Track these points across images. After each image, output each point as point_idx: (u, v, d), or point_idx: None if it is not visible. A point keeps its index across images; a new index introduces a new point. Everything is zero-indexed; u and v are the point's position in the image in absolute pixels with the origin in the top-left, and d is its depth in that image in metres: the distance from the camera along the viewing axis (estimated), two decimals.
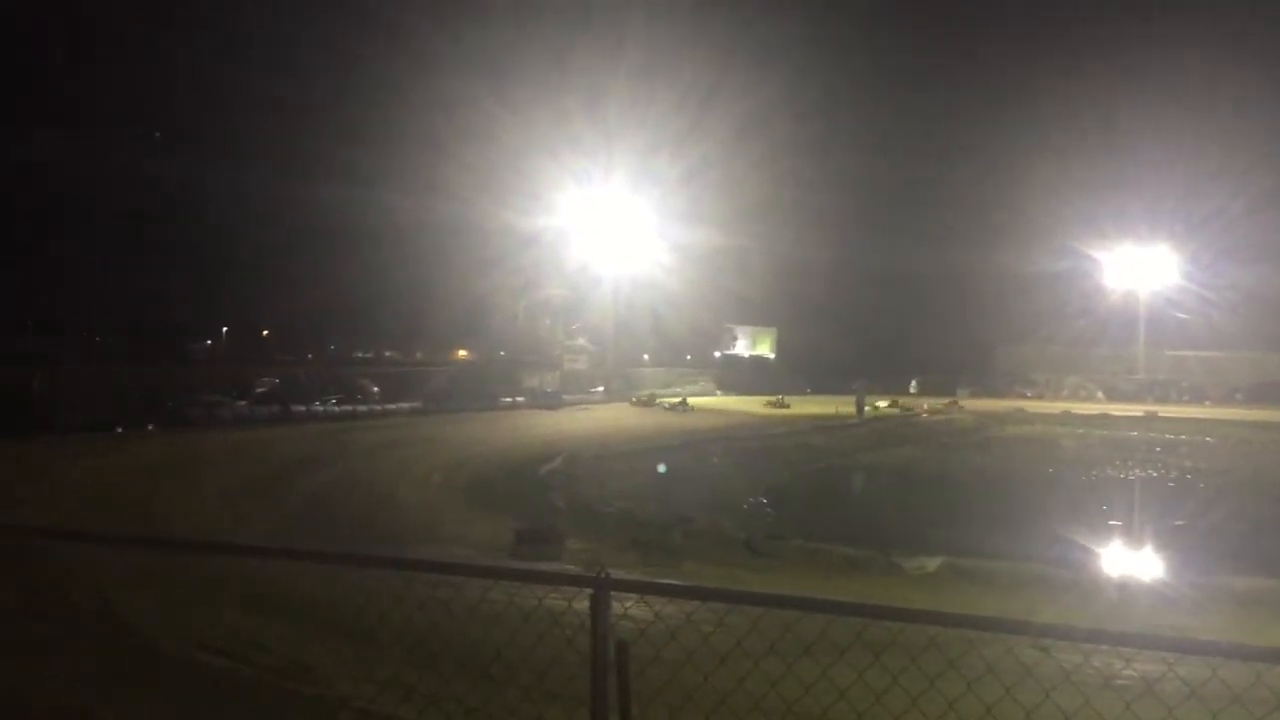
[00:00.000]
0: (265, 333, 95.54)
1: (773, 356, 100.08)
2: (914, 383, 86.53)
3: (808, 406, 67.57)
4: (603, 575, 3.67)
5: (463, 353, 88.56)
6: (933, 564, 21.86)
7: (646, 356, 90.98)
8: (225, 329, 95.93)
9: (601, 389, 75.58)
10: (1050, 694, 5.92)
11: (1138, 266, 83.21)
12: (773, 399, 71.62)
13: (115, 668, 9.05)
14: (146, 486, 26.15)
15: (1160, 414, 66.10)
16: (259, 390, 53.78)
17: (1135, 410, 68.34)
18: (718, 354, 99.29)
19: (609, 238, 77.31)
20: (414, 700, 8.21)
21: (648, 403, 65.16)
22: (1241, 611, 15.93)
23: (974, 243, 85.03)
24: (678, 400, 66.33)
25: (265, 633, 10.91)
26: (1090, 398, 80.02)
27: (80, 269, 77.02)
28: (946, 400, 75.51)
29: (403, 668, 9.50)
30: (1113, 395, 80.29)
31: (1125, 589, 20.87)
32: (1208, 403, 75.61)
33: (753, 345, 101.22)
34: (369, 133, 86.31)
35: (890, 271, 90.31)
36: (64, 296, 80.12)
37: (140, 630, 11.15)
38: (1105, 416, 66.53)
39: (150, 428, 39.66)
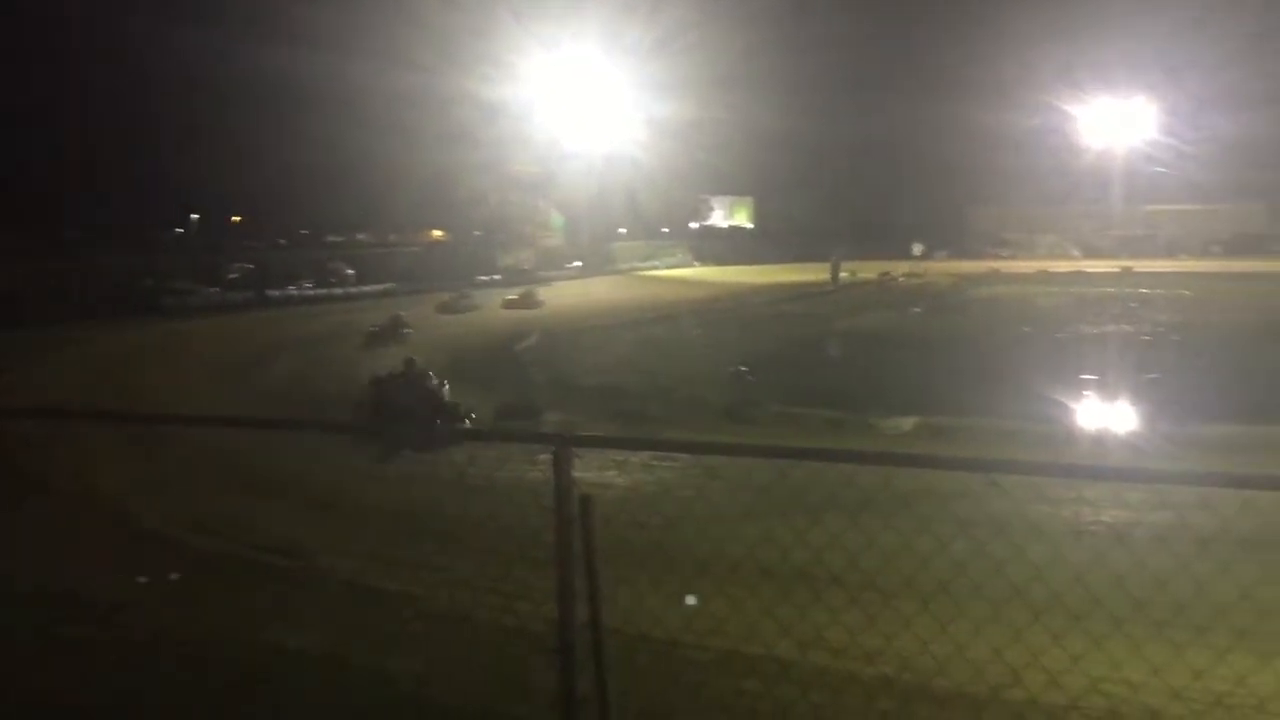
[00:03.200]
0: (237, 219, 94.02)
1: (751, 226, 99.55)
2: (917, 246, 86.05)
3: (786, 275, 67.48)
4: (563, 432, 3.64)
5: (437, 233, 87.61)
6: (908, 423, 22.12)
7: (623, 230, 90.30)
8: (195, 216, 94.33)
9: (578, 264, 75.15)
10: (1024, 546, 6.01)
11: (1114, 120, 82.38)
12: (512, 297, 50.31)
13: (104, 549, 9.07)
14: (121, 374, 26.08)
15: (1136, 269, 66.37)
16: (231, 276, 53.36)
17: (1111, 267, 68.56)
18: (694, 225, 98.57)
19: (580, 109, 75.78)
20: (397, 571, 8.30)
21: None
22: (1212, 457, 16.25)
23: (946, 103, 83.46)
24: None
25: (249, 510, 10.97)
26: (1066, 256, 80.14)
27: (48, 158, 75.13)
28: (923, 264, 75.59)
29: (386, 540, 9.61)
30: (1089, 252, 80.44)
31: (1099, 441, 21.22)
32: (1184, 256, 75.92)
33: (730, 215, 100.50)
34: None
35: (865, 137, 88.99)
36: (31, 189, 78.37)
37: (127, 510, 11.21)
38: (1081, 274, 66.79)
39: (122, 317, 39.36)
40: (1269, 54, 71.49)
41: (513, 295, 49.78)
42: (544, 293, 52.64)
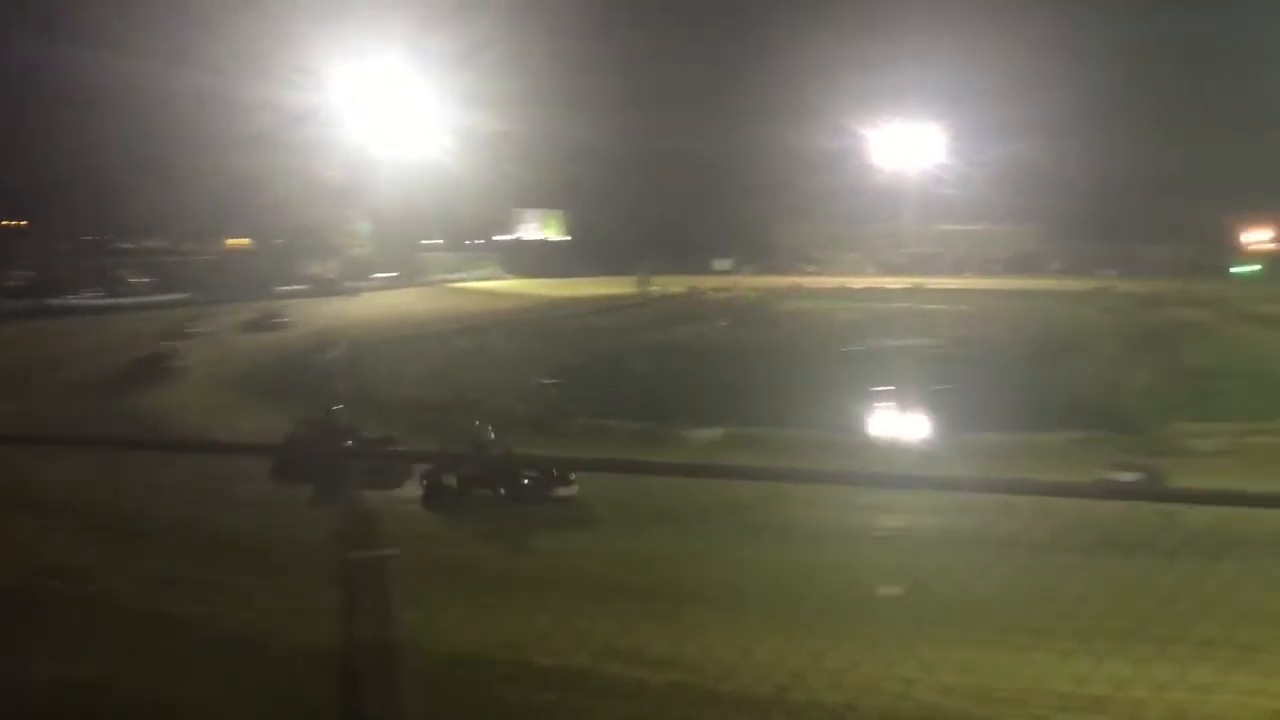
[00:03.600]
0: (18, 223, 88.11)
1: (566, 239, 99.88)
2: (726, 261, 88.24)
3: (596, 288, 68.03)
4: (346, 446, 3.62)
5: (238, 240, 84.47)
6: (716, 434, 22.71)
7: (435, 241, 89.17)
8: None
9: (387, 274, 73.79)
10: (811, 551, 6.29)
11: (908, 144, 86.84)
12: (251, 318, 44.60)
13: None
14: None
15: (926, 286, 69.85)
16: (10, 284, 50.15)
17: (905, 283, 71.94)
18: (507, 237, 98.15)
19: (388, 118, 74.45)
20: (186, 593, 8.00)
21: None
22: (991, 462, 17.31)
23: (755, 123, 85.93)
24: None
25: (24, 532, 10.33)
26: (865, 272, 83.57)
27: None
28: (731, 279, 77.49)
29: (178, 562, 9.24)
30: (885, 269, 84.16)
31: (893, 448, 22.28)
32: (969, 274, 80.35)
33: (541, 228, 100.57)
34: None
35: (676, 154, 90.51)
36: None
37: None
38: (877, 290, 69.81)
39: None
40: (1040, 87, 76.56)
41: (252, 316, 44.24)
42: (349, 304, 51.48)
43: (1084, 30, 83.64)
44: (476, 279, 77.10)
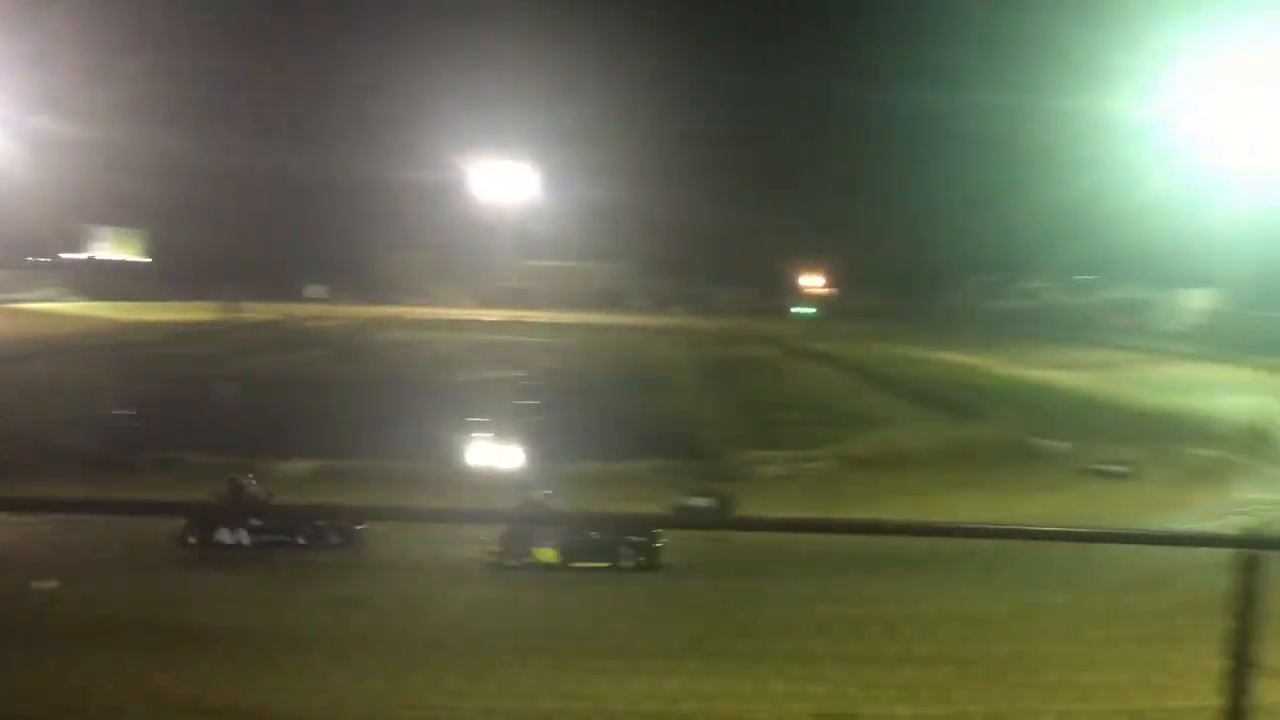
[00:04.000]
0: None
1: (147, 260, 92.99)
2: (320, 289, 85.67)
3: (179, 313, 63.95)
4: None
5: None
6: (307, 467, 22.07)
7: None
8: None
9: None
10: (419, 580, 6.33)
11: (505, 181, 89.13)
12: None
13: None
14: None
15: (522, 319, 71.66)
16: None
17: (503, 316, 73.47)
18: (77, 256, 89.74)
19: None
20: None
21: None
22: (583, 491, 18.12)
23: (355, 150, 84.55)
24: None
25: None
26: (464, 304, 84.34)
27: None
28: (328, 307, 75.62)
29: None
30: (484, 302, 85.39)
31: (488, 479, 22.70)
32: (562, 308, 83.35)
33: (118, 247, 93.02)
34: None
35: (274, 178, 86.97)
36: None
37: None
38: (475, 321, 70.71)
39: None
40: (627, 134, 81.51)
41: None
42: None
43: (670, 82, 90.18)
44: (38, 300, 69.95)
